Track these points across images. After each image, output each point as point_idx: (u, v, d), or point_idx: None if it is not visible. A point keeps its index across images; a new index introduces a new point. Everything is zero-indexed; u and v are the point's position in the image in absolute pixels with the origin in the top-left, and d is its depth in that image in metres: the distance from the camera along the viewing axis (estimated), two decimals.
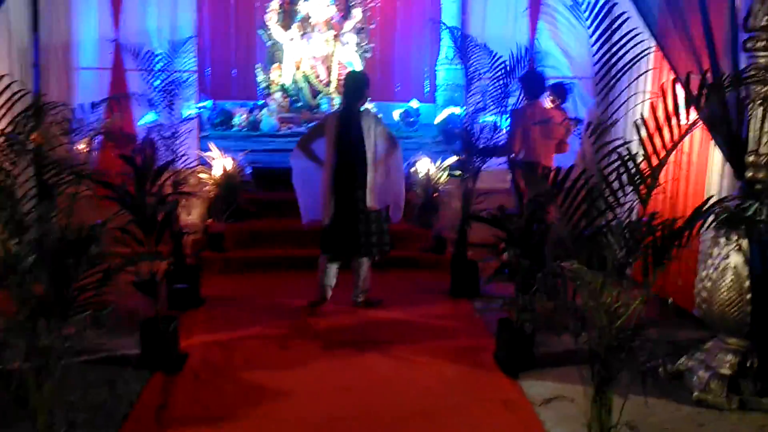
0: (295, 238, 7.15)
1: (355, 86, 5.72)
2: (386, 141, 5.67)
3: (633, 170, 3.18)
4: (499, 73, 6.34)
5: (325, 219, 5.65)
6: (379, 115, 7.51)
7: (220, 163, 7.51)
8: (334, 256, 5.81)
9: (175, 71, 6.50)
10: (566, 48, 7.83)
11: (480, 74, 6.58)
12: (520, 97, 6.55)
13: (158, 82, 6.16)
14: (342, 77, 11.65)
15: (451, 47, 12.79)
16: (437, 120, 10.99)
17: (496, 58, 6.36)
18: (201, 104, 11.85)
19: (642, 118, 3.42)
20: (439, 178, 7.63)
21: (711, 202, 3.28)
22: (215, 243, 7.15)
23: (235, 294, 6.37)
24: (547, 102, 6.81)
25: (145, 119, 7.28)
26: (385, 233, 5.82)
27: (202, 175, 7.42)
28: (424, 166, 7.71)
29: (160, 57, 6.34)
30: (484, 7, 7.84)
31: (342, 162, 5.59)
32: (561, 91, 6.94)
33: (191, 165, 6.99)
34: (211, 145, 7.68)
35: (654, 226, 3.13)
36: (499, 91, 6.40)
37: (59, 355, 3.09)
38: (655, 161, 3.24)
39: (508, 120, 6.57)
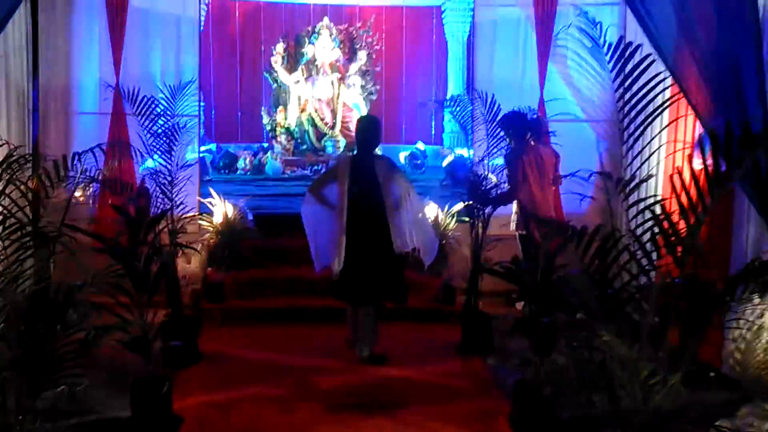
0: (301, 287, 6.83)
1: (368, 132, 5.60)
2: (402, 185, 5.49)
3: (668, 230, 2.84)
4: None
5: (337, 265, 5.39)
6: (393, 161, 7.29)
7: (221, 209, 7.20)
8: (348, 301, 5.61)
9: (175, 116, 6.22)
10: (578, 90, 7.56)
11: (486, 118, 6.33)
12: (508, 140, 6.41)
13: (156, 127, 5.86)
14: (348, 120, 11.55)
15: (458, 89, 12.72)
16: (445, 163, 10.72)
17: (494, 106, 6.19)
18: (205, 147, 11.69)
19: (677, 171, 3.09)
20: (448, 224, 7.29)
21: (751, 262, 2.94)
22: (215, 293, 6.80)
23: (236, 349, 5.98)
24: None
25: (145, 165, 7.00)
26: (401, 280, 5.61)
27: (202, 222, 7.11)
28: (431, 211, 7.37)
29: (158, 101, 6.05)
30: (491, 48, 7.56)
31: (355, 207, 5.37)
32: (537, 126, 6.69)
33: (190, 212, 6.69)
34: (212, 191, 7.38)
35: (691, 289, 2.80)
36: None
37: None
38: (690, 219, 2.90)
39: (506, 168, 6.39)
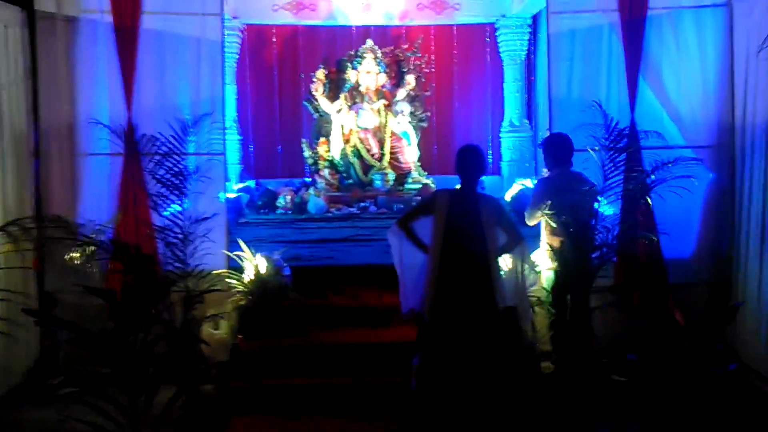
0: (358, 357, 5.50)
1: (472, 162, 4.74)
2: (509, 231, 4.72)
3: None
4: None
5: (426, 313, 4.59)
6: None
7: (252, 263, 5.93)
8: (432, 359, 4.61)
9: (186, 154, 4.97)
10: (677, 110, 6.12)
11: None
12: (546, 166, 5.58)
13: (163, 171, 4.62)
14: (396, 150, 10.23)
15: (517, 113, 11.34)
16: (508, 195, 9.29)
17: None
18: (242, 186, 10.49)
19: None
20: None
21: None
22: (247, 368, 5.49)
23: None
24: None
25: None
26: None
27: (230, 281, 5.84)
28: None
29: (165, 139, 4.82)
30: (568, 64, 6.17)
31: (452, 249, 4.56)
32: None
33: (214, 270, 5.45)
34: (241, 243, 6.09)
35: None
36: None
37: None
38: None
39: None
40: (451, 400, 4.53)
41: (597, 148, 5.16)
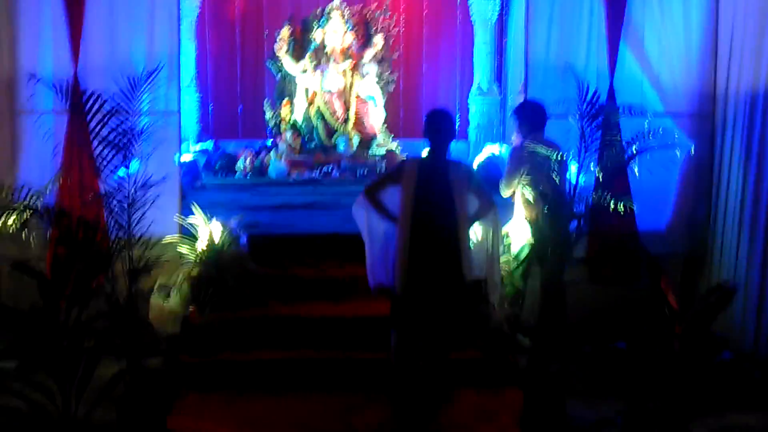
0: (320, 331, 5.16)
1: (442, 128, 4.46)
2: (481, 199, 4.44)
3: None
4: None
5: (398, 288, 4.35)
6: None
7: (207, 230, 5.53)
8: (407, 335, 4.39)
9: (139, 114, 4.51)
10: (657, 76, 5.81)
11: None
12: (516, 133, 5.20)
13: (106, 131, 4.17)
14: (362, 113, 9.82)
15: (486, 77, 10.96)
16: (476, 162, 8.95)
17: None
18: (200, 147, 9.99)
19: None
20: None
21: None
22: (198, 342, 5.11)
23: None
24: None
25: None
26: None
27: (181, 249, 5.43)
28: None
29: (110, 96, 4.36)
30: (547, 28, 5.80)
31: (420, 222, 4.30)
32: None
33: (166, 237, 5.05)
34: (195, 208, 5.67)
35: None
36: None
37: None
38: None
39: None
40: (426, 372, 4.38)
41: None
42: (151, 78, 4.59)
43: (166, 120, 5.53)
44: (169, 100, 5.61)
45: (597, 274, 5.81)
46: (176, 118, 5.74)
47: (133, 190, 4.19)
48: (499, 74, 10.79)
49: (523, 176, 4.88)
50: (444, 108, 5.03)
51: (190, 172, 8.22)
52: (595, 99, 4.67)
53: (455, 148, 10.07)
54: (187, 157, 8.25)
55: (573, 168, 4.76)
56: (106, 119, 4.29)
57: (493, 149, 9.27)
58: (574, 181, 4.59)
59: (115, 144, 4.15)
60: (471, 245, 4.44)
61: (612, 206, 4.74)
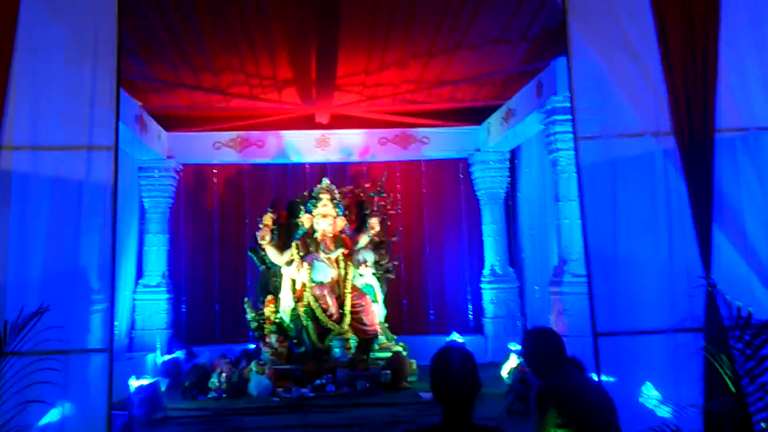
0: None
1: (462, 378, 2.63)
2: None
3: None
4: None
5: None
6: None
7: None
8: None
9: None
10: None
11: None
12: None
13: None
14: (359, 309, 8.07)
15: (499, 259, 9.37)
16: (505, 371, 7.11)
17: None
18: (168, 357, 8.18)
19: None
20: None
21: None
22: None
23: None
24: None
25: None
26: None
27: None
28: None
29: None
30: (607, 204, 4.21)
31: None
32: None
33: None
34: None
35: None
36: None
37: None
38: None
39: None
40: None
41: None
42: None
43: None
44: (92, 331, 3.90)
45: None
46: (104, 357, 3.97)
47: None
48: (512, 256, 9.24)
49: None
50: (455, 343, 3.26)
51: (147, 400, 6.32)
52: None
53: (471, 343, 8.34)
54: (143, 382, 6.39)
55: None
56: None
57: (519, 349, 7.44)
58: None
59: None
60: None
61: None
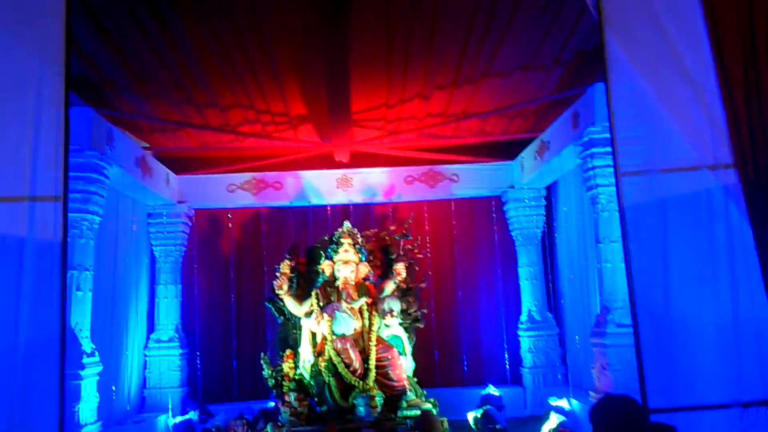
0: None
1: None
2: None
3: None
4: None
5: None
6: None
7: None
8: None
9: None
10: None
11: None
12: None
13: None
14: (385, 363, 7.50)
15: (536, 304, 8.78)
16: (545, 430, 6.48)
17: None
18: (181, 419, 7.71)
19: None
20: None
21: None
22: None
23: None
24: None
25: None
26: None
27: None
28: None
29: None
30: (658, 249, 3.65)
31: None
32: None
33: None
34: None
35: None
36: None
37: None
38: None
39: None
40: None
41: None
42: None
43: None
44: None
45: None
46: None
47: None
48: (551, 300, 8.64)
49: None
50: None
51: None
52: None
53: (508, 396, 7.75)
54: None
55: None
56: None
57: (561, 405, 6.83)
58: None
59: None
60: None
61: None
